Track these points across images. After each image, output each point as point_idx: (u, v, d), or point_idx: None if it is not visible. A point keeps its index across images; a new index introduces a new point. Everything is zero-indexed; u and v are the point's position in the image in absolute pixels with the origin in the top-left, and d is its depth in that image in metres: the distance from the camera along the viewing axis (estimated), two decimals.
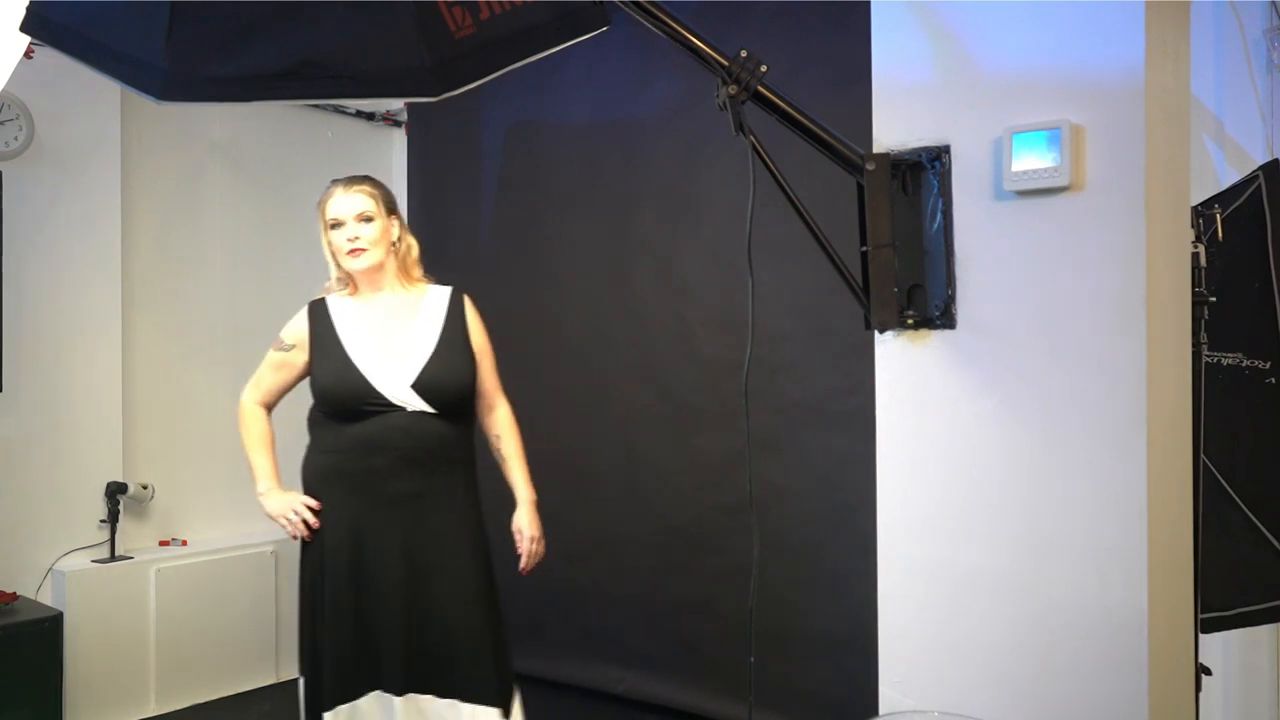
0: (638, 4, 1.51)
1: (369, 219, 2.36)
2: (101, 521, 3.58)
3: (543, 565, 4.00)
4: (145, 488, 3.73)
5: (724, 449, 3.43)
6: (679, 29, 1.54)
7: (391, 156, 4.66)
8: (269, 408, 2.46)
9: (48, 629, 3.19)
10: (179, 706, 3.65)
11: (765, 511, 3.24)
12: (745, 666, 3.30)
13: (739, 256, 1.68)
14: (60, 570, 3.43)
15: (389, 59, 1.91)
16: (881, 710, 1.74)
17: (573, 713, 3.71)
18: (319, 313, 2.41)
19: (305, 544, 2.34)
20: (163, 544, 3.78)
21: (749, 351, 1.68)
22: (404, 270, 2.44)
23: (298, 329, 2.41)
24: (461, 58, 1.85)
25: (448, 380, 2.33)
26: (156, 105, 1.90)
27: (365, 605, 2.28)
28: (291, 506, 2.31)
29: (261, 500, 2.38)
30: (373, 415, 2.28)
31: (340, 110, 4.43)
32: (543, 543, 2.53)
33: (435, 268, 4.44)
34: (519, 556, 2.51)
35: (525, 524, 2.50)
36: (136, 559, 3.61)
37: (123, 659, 3.51)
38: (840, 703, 3.09)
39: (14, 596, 3.29)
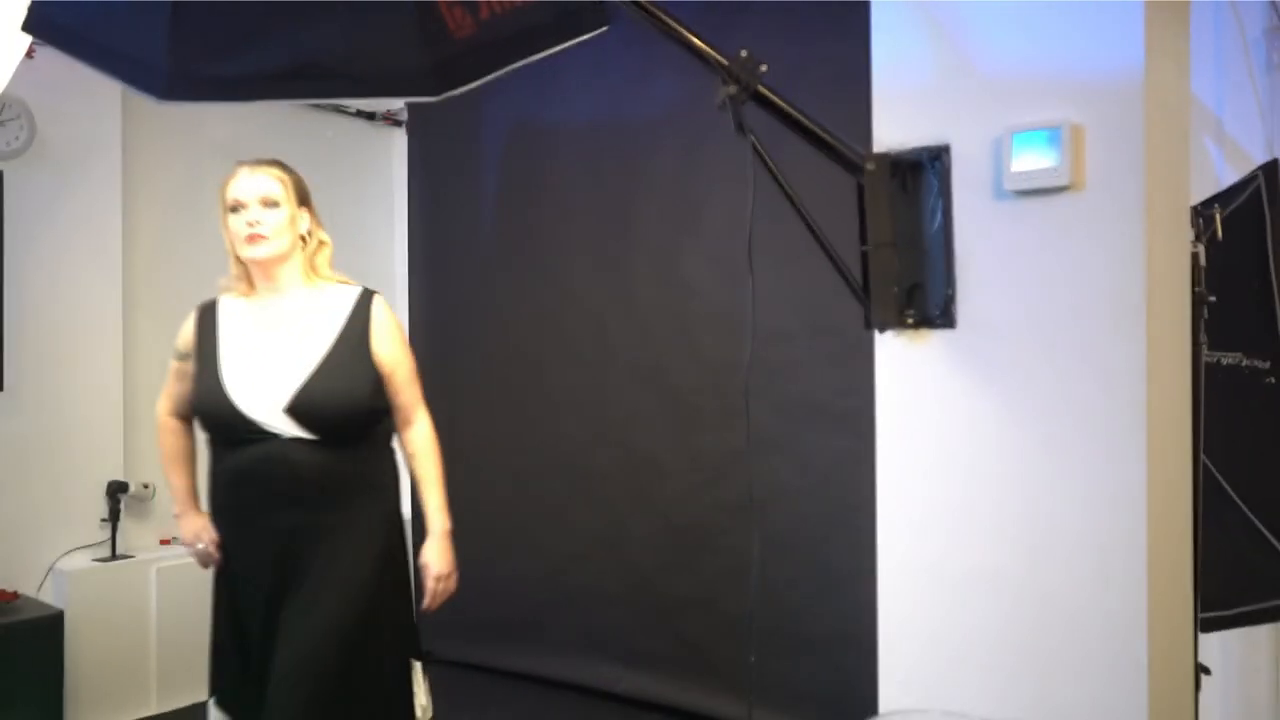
0: (638, 4, 1.51)
1: (274, 204, 2.06)
2: (103, 520, 3.58)
3: (543, 565, 4.03)
4: (146, 486, 3.73)
5: (724, 448, 3.43)
6: (679, 29, 1.54)
7: (392, 157, 4.66)
8: (186, 420, 2.20)
9: (49, 628, 3.19)
10: (180, 705, 3.65)
11: (765, 511, 3.24)
12: (745, 665, 3.30)
13: (739, 256, 1.69)
14: (61, 569, 3.44)
15: (389, 59, 1.91)
16: (881, 709, 1.74)
17: (573, 712, 3.71)
18: (206, 317, 2.13)
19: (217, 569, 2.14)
20: (164, 543, 3.78)
21: (749, 351, 1.69)
22: (311, 270, 2.12)
23: (186, 335, 2.15)
24: (461, 57, 1.85)
25: (329, 402, 1.99)
26: (158, 105, 1.91)
27: (246, 643, 2.07)
28: (199, 537, 2.10)
29: (176, 523, 2.17)
30: (247, 442, 1.99)
31: (341, 110, 4.42)
32: (454, 580, 2.18)
33: (435, 268, 4.47)
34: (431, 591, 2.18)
35: (434, 558, 2.14)
36: (137, 558, 3.61)
37: (124, 658, 3.51)
38: (840, 702, 3.08)
39: (15, 596, 3.29)
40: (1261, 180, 2.04)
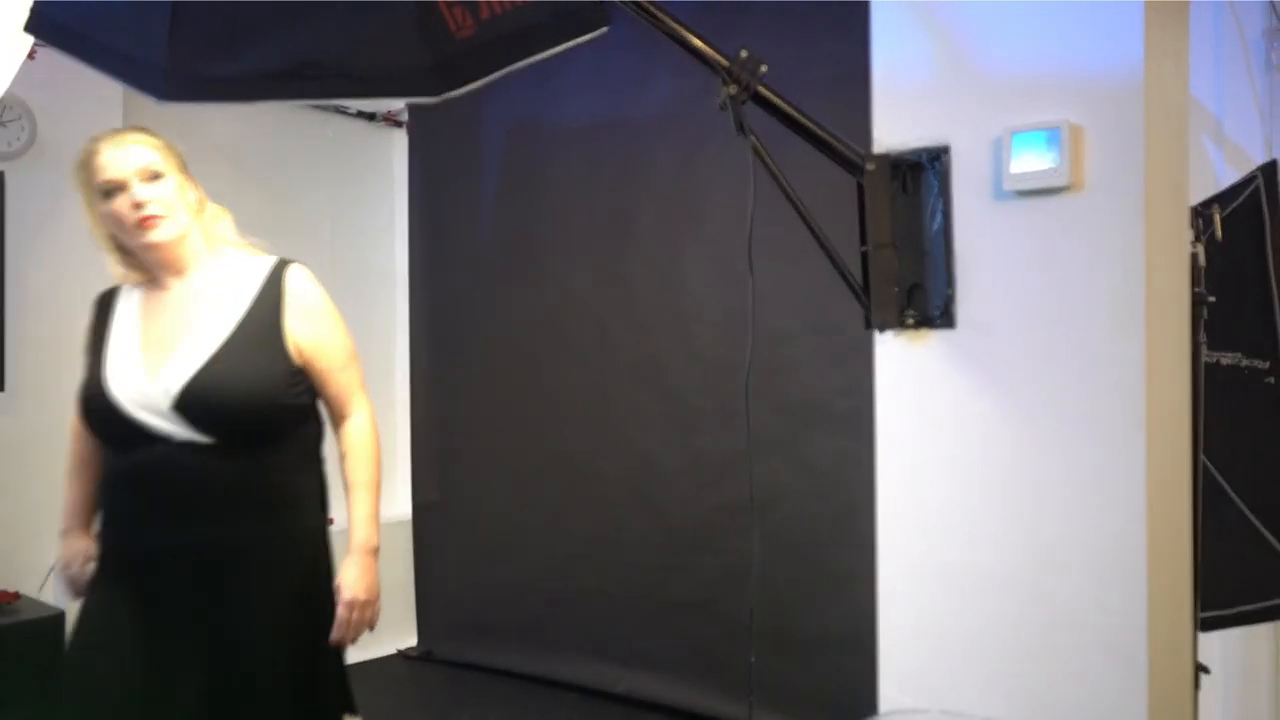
0: (638, 4, 1.52)
1: (158, 175, 1.73)
2: None
3: (543, 565, 4.04)
4: None
5: (724, 449, 3.43)
6: (679, 29, 1.55)
7: (392, 157, 4.66)
8: None
9: (50, 628, 3.18)
10: None
11: (765, 511, 3.24)
12: (745, 666, 3.31)
13: (739, 256, 1.69)
14: None
15: (389, 59, 1.91)
16: (881, 709, 1.75)
17: (573, 713, 3.71)
18: (104, 305, 1.86)
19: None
20: None
21: (749, 351, 1.69)
22: (214, 242, 1.81)
23: (86, 329, 1.87)
24: (462, 58, 1.85)
25: (224, 397, 1.66)
26: (158, 105, 1.91)
27: (110, 693, 1.65)
28: (70, 563, 1.78)
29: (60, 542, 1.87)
30: (133, 447, 1.67)
31: (341, 110, 4.42)
32: (373, 609, 1.77)
33: (436, 268, 4.47)
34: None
35: (351, 579, 1.74)
36: None
37: None
38: (840, 702, 3.09)
39: (16, 596, 3.29)
40: (1260, 181, 2.04)
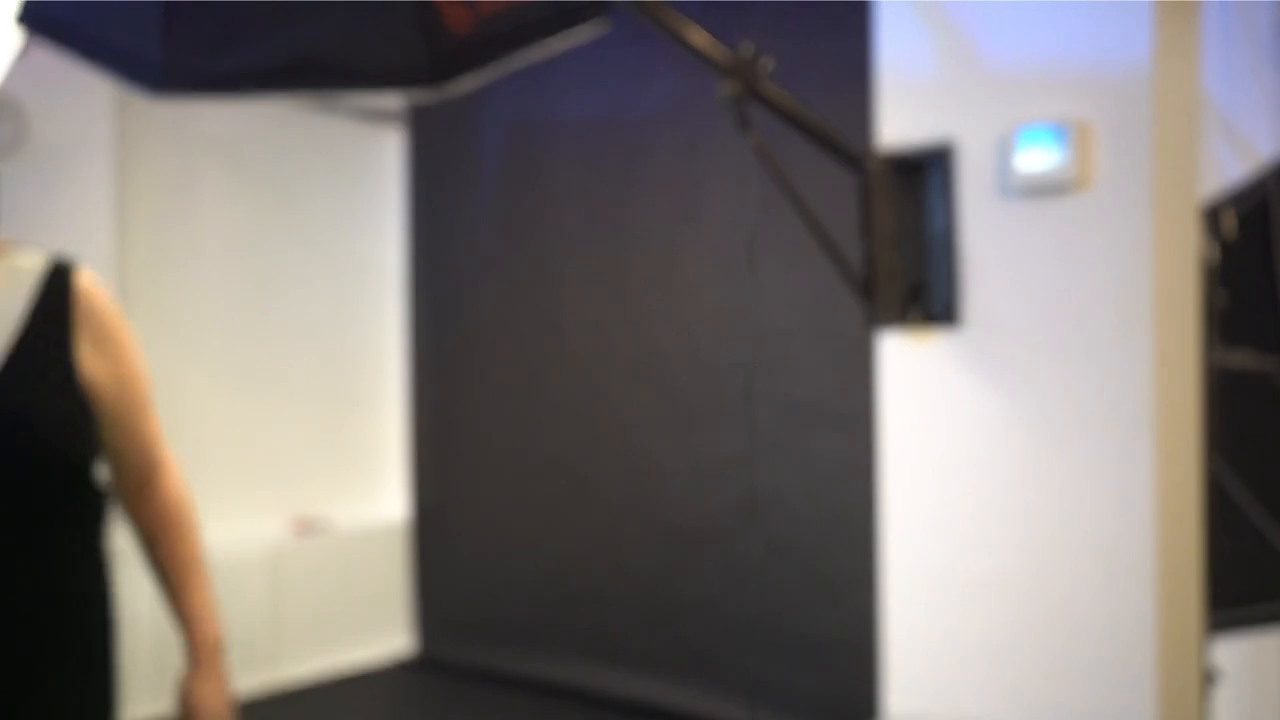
0: (639, 3, 1.50)
1: None
2: None
3: (542, 569, 4.03)
4: None
5: (724, 449, 3.41)
6: (681, 28, 1.53)
7: (388, 155, 4.64)
8: None
9: None
10: (159, 715, 3.62)
11: (766, 512, 3.23)
12: (746, 668, 3.29)
13: (740, 255, 1.67)
14: None
15: (388, 55, 1.89)
16: (891, 713, 1.73)
17: (573, 714, 3.69)
18: None
19: None
20: None
21: (751, 351, 1.67)
22: None
23: None
24: (460, 54, 1.84)
25: (4, 446, 1.13)
26: (152, 101, 1.88)
27: None
28: None
29: None
30: None
31: (338, 107, 4.40)
32: None
33: (434, 268, 4.45)
34: None
35: (206, 699, 1.31)
36: (126, 561, 3.58)
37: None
38: (842, 706, 3.07)
39: None
40: (1272, 178, 2.02)
